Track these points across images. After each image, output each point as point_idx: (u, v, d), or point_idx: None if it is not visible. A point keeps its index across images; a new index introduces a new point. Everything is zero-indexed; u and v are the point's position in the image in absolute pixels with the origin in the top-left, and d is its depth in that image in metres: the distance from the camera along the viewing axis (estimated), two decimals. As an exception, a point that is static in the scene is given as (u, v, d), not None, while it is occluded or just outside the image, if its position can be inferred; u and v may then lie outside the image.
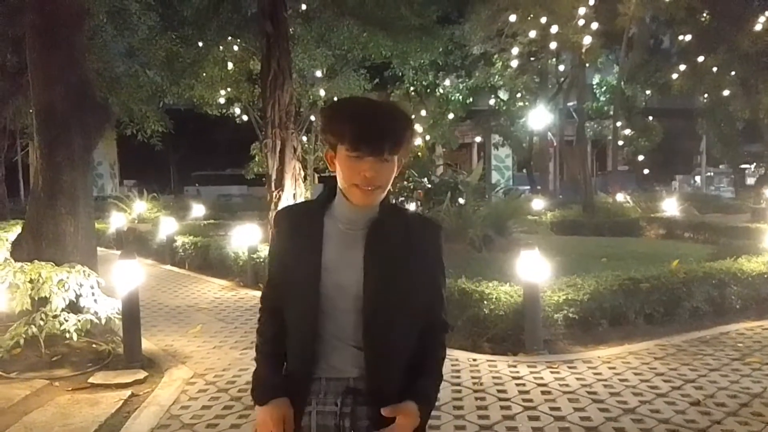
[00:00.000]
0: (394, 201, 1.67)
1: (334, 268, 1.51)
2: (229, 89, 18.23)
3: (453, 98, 24.27)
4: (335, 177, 1.56)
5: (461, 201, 10.88)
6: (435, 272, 1.62)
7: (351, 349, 1.52)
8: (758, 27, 16.45)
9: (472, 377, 4.51)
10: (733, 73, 18.23)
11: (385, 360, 1.52)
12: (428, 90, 23.62)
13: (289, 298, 1.58)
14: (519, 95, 23.83)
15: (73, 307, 4.95)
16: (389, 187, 1.52)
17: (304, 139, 21.49)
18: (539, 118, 22.77)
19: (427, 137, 24.64)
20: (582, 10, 16.30)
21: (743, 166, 29.08)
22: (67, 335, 4.80)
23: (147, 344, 5.40)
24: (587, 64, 19.31)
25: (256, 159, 21.33)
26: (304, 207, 1.71)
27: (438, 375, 1.61)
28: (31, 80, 6.02)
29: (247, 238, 8.58)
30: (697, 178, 33.33)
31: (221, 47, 15.67)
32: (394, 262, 1.51)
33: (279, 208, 12.05)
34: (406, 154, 1.55)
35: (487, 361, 4.90)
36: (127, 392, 4.32)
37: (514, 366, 4.74)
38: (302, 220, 1.59)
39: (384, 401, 1.50)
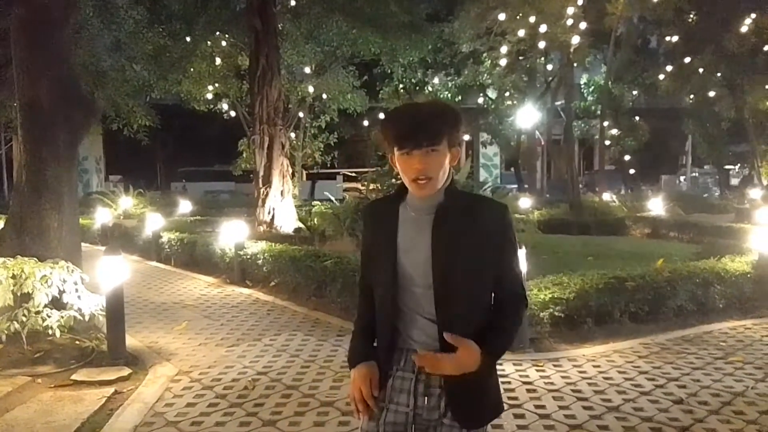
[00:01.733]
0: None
1: (408, 249, 1.74)
2: (216, 85, 18.14)
3: (442, 96, 24.27)
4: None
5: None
6: (501, 249, 1.75)
7: (426, 322, 1.73)
8: (744, 28, 16.60)
9: (458, 375, 4.51)
10: (719, 73, 18.40)
11: (455, 331, 1.67)
12: (417, 88, 23.62)
13: (374, 278, 1.84)
14: (507, 94, 23.88)
15: (57, 303, 4.91)
16: (446, 175, 1.72)
17: (293, 135, 21.42)
18: (527, 116, 22.85)
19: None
20: (570, 10, 16.36)
21: (728, 166, 29.35)
22: (50, 331, 4.76)
23: (131, 341, 5.37)
24: (575, 64, 19.39)
25: (244, 155, 21.24)
26: (384, 200, 1.92)
27: (508, 335, 1.76)
28: (16, 74, 5.94)
29: (234, 235, 8.53)
30: (682, 178, 33.61)
31: (209, 42, 15.60)
32: (458, 241, 1.70)
33: (267, 204, 12.01)
34: (456, 142, 1.73)
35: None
36: (111, 389, 4.29)
37: (500, 364, 4.72)
38: (382, 211, 1.84)
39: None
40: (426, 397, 1.73)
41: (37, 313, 4.74)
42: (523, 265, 5.06)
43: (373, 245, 1.86)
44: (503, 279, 1.77)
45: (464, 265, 1.70)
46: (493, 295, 1.78)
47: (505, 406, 3.88)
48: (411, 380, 1.74)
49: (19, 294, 4.75)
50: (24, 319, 4.68)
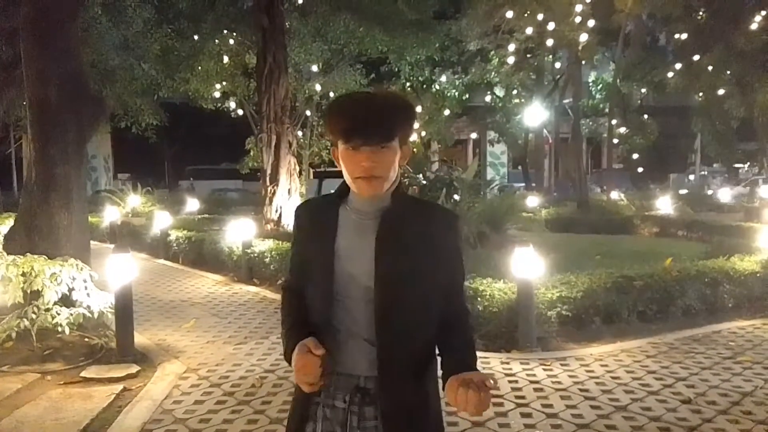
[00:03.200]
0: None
1: (346, 256, 1.53)
2: (224, 83, 18.17)
3: (449, 94, 24.25)
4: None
5: (456, 197, 10.88)
6: (451, 261, 1.59)
7: (363, 344, 1.51)
8: (754, 25, 16.49)
9: (465, 374, 4.51)
10: (728, 71, 18.28)
11: (396, 353, 1.49)
12: (424, 86, 23.60)
13: (306, 287, 1.60)
14: (515, 92, 23.84)
15: (66, 301, 4.93)
16: (395, 175, 1.54)
17: (300, 134, 21.43)
18: (535, 115, 22.77)
19: (423, 133, 24.62)
20: (579, 7, 16.29)
21: (737, 165, 29.17)
22: (60, 329, 4.79)
23: (140, 338, 5.39)
24: (583, 62, 19.30)
25: (251, 154, 21.26)
26: (321, 199, 1.73)
27: (473, 353, 1.56)
28: (25, 73, 5.98)
29: (242, 233, 8.56)
30: (691, 177, 33.43)
31: (217, 41, 15.62)
32: (405, 250, 1.51)
33: (274, 203, 12.02)
34: (407, 140, 1.55)
35: (480, 358, 4.85)
36: (120, 386, 4.31)
37: (507, 363, 4.75)
38: (319, 211, 1.64)
39: (394, 402, 1.49)
40: (359, 431, 1.52)
41: (47, 310, 4.77)
42: (531, 264, 5.05)
43: (306, 250, 1.63)
44: (451, 293, 1.60)
45: (410, 277, 1.50)
46: (440, 312, 1.57)
47: (513, 405, 3.90)
48: (343, 410, 1.52)
49: (29, 291, 4.77)
50: (34, 316, 4.71)
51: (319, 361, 1.45)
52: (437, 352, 1.57)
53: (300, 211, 1.69)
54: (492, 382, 1.37)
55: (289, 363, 1.53)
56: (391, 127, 1.48)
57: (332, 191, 1.66)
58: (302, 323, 1.58)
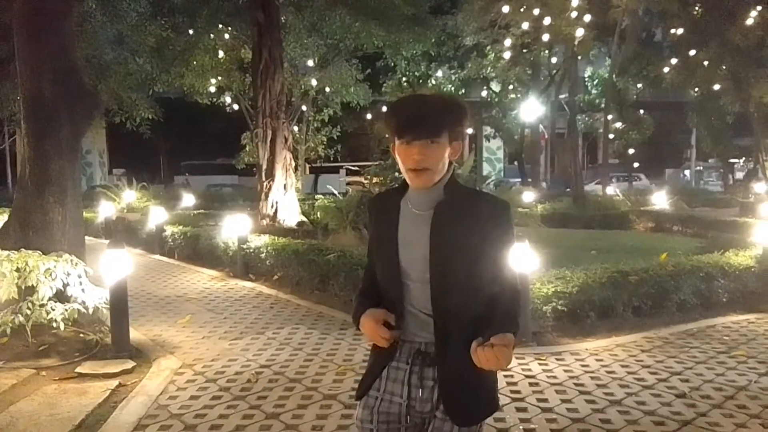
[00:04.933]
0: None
1: (407, 244, 1.75)
2: (219, 78, 18.13)
3: (445, 89, 24.22)
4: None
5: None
6: (499, 247, 1.74)
7: (422, 316, 1.74)
8: (750, 21, 16.49)
9: (461, 369, 4.52)
10: (724, 67, 18.30)
11: (450, 326, 1.71)
12: (420, 81, 23.58)
13: (377, 270, 1.85)
14: (511, 87, 23.86)
15: (61, 297, 4.92)
16: (445, 168, 1.72)
17: (296, 129, 21.41)
18: (531, 110, 22.80)
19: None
20: (575, 2, 16.30)
21: (732, 160, 29.24)
22: (54, 324, 4.77)
23: (135, 334, 5.38)
24: (579, 57, 19.34)
25: (247, 149, 21.25)
26: (387, 194, 1.93)
27: (514, 321, 1.72)
28: (19, 67, 5.94)
29: (238, 229, 8.54)
30: (687, 172, 33.51)
31: (212, 35, 15.56)
32: (456, 238, 1.70)
33: (270, 198, 11.99)
34: (458, 136, 1.73)
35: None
36: (115, 382, 4.30)
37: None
38: (385, 204, 1.85)
39: (449, 366, 1.70)
40: (420, 389, 1.74)
41: (42, 306, 4.75)
42: (526, 259, 5.06)
43: (375, 239, 1.90)
44: (499, 277, 1.75)
45: (462, 263, 1.70)
46: (489, 292, 1.75)
47: (508, 400, 3.91)
48: (405, 371, 1.76)
49: (23, 287, 4.76)
50: (28, 312, 4.70)
51: (384, 330, 1.71)
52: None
53: (370, 206, 1.95)
54: (506, 338, 1.58)
55: (356, 325, 1.82)
56: (438, 124, 1.66)
57: (397, 184, 1.86)
58: (370, 294, 1.85)
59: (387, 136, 1.77)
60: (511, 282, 1.80)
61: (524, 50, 21.50)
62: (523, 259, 5.06)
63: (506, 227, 1.77)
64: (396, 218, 1.78)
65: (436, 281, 1.71)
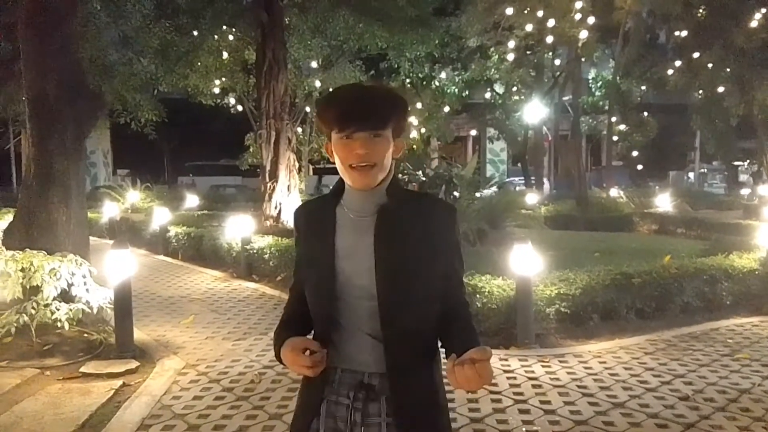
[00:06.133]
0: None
1: (346, 256, 1.53)
2: (223, 79, 18.13)
3: (449, 91, 24.21)
4: (330, 168, 1.58)
5: (456, 194, 10.89)
6: (450, 254, 1.58)
7: (367, 339, 1.51)
8: (754, 23, 16.46)
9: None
10: (728, 69, 18.25)
11: (403, 348, 1.50)
12: (424, 82, 23.55)
13: (309, 288, 1.60)
14: (515, 89, 23.79)
15: (65, 296, 4.93)
16: (389, 167, 1.53)
17: (299, 130, 21.42)
18: (534, 112, 22.75)
19: (423, 130, 24.61)
20: (579, 4, 16.25)
21: (736, 162, 29.15)
22: (59, 324, 4.79)
23: (139, 334, 5.39)
24: (583, 59, 19.28)
25: (251, 150, 21.26)
26: (317, 201, 1.71)
27: (473, 336, 1.51)
28: (24, 68, 5.97)
29: (241, 229, 8.56)
30: (691, 174, 33.43)
31: (216, 36, 15.56)
32: (404, 247, 1.51)
33: (273, 199, 12.00)
34: (401, 132, 1.55)
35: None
36: (119, 382, 4.31)
37: (506, 359, 4.76)
38: (316, 213, 1.63)
39: (402, 394, 1.49)
40: (362, 428, 1.51)
41: (46, 305, 4.77)
42: (529, 261, 5.06)
43: (306, 252, 1.63)
44: (451, 285, 1.59)
45: (412, 273, 1.50)
46: (444, 304, 1.57)
47: (511, 402, 3.91)
48: (347, 406, 1.53)
49: (28, 287, 4.78)
50: (33, 311, 4.71)
51: (305, 357, 1.47)
52: (440, 344, 1.57)
53: (297, 215, 1.69)
54: (486, 351, 1.34)
55: (279, 360, 1.57)
56: (384, 115, 1.48)
57: (329, 188, 1.64)
58: (292, 325, 1.62)
59: (322, 131, 1.55)
60: (462, 292, 1.64)
61: (528, 52, 21.47)
62: (526, 261, 5.06)
63: (455, 232, 1.60)
64: (332, 227, 1.55)
65: (385, 296, 1.48)
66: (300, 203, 11.36)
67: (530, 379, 4.36)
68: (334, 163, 1.55)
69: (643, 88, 24.47)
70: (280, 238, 8.50)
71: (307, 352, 1.47)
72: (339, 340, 1.53)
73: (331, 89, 1.71)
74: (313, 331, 1.61)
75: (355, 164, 1.47)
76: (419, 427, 1.51)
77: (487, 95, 25.43)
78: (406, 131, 1.61)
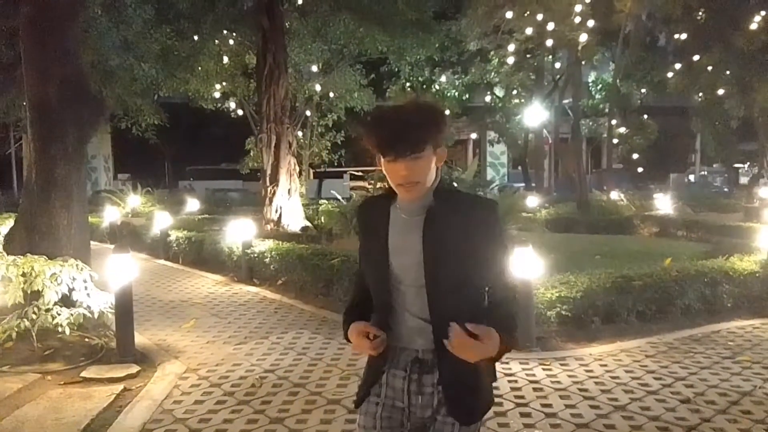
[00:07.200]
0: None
1: (398, 252, 1.75)
2: (224, 83, 18.18)
3: (449, 94, 24.25)
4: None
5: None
6: (492, 247, 1.74)
7: (419, 322, 1.74)
8: (754, 26, 16.47)
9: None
10: (728, 71, 18.27)
11: (448, 331, 1.65)
12: (424, 86, 23.59)
13: (369, 279, 1.86)
14: (515, 92, 23.81)
15: (66, 301, 4.94)
16: (433, 176, 1.72)
17: (300, 134, 21.44)
18: (535, 115, 22.76)
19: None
20: (578, 7, 16.28)
21: (737, 165, 29.15)
22: (60, 329, 4.79)
23: (140, 339, 5.40)
24: (583, 62, 19.30)
25: (251, 154, 21.29)
26: (375, 199, 1.92)
27: (512, 322, 1.74)
28: (25, 73, 5.99)
29: (242, 233, 8.56)
30: (691, 177, 33.41)
31: (217, 41, 15.61)
32: (448, 243, 1.70)
33: (274, 203, 11.99)
34: (440, 143, 1.71)
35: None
36: (120, 386, 4.32)
37: (506, 363, 4.75)
38: (373, 211, 1.85)
39: (449, 369, 1.70)
40: (419, 396, 1.76)
41: (47, 310, 4.77)
42: (530, 264, 5.06)
43: (365, 247, 1.88)
44: (496, 279, 1.77)
45: (456, 267, 1.70)
46: (486, 295, 1.77)
47: (512, 405, 3.91)
48: (404, 378, 1.77)
49: (29, 292, 4.78)
50: (34, 316, 4.72)
51: (367, 341, 1.73)
52: None
53: (358, 213, 1.95)
54: (490, 333, 1.59)
55: (346, 339, 1.85)
56: (419, 139, 1.63)
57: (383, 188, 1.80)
58: (358, 308, 1.87)
59: (371, 151, 1.74)
60: (509, 284, 1.82)
61: (528, 55, 21.50)
62: (527, 264, 5.06)
63: (496, 226, 1.77)
64: (386, 225, 1.78)
65: (432, 286, 1.71)
66: (300, 207, 11.28)
67: (531, 382, 4.36)
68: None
69: (644, 90, 24.50)
70: (280, 242, 8.51)
71: (371, 335, 1.72)
72: (395, 323, 1.77)
73: (372, 111, 1.89)
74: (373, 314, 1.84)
75: (400, 183, 1.67)
76: (464, 395, 1.73)
77: (488, 98, 25.46)
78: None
